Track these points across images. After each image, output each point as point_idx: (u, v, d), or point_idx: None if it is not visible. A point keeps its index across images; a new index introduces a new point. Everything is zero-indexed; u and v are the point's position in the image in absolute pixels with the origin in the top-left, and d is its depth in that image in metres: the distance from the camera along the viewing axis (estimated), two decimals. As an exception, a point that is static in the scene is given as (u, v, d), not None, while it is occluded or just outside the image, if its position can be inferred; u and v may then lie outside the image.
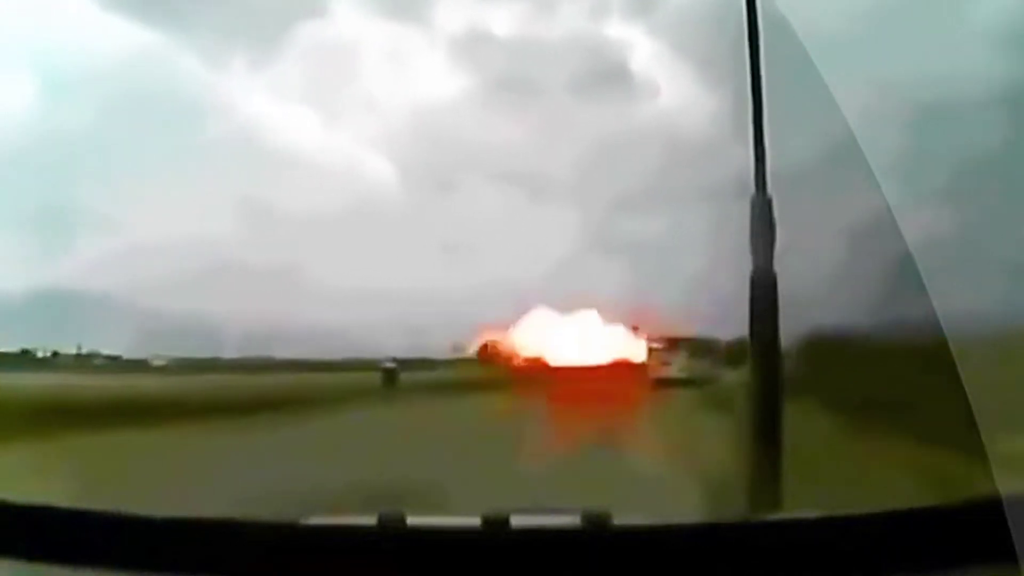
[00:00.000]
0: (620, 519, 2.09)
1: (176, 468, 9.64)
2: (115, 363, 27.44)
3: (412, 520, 2.07)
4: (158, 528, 2.08)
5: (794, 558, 1.97)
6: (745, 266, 7.11)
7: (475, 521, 2.07)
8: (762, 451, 6.60)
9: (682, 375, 20.78)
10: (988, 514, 1.94)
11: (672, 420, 15.19)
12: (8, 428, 12.10)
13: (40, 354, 25.74)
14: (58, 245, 23.29)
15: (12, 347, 23.12)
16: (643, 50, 26.51)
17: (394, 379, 25.81)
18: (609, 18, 28.53)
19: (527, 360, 27.30)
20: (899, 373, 8.69)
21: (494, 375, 26.03)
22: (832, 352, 11.45)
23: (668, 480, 8.32)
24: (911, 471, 6.64)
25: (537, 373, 25.57)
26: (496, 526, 2.05)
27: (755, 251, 6.96)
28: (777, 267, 6.94)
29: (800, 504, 5.42)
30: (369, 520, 2.06)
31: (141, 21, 26.67)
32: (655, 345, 23.78)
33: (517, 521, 2.07)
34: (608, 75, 26.28)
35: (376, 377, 25.51)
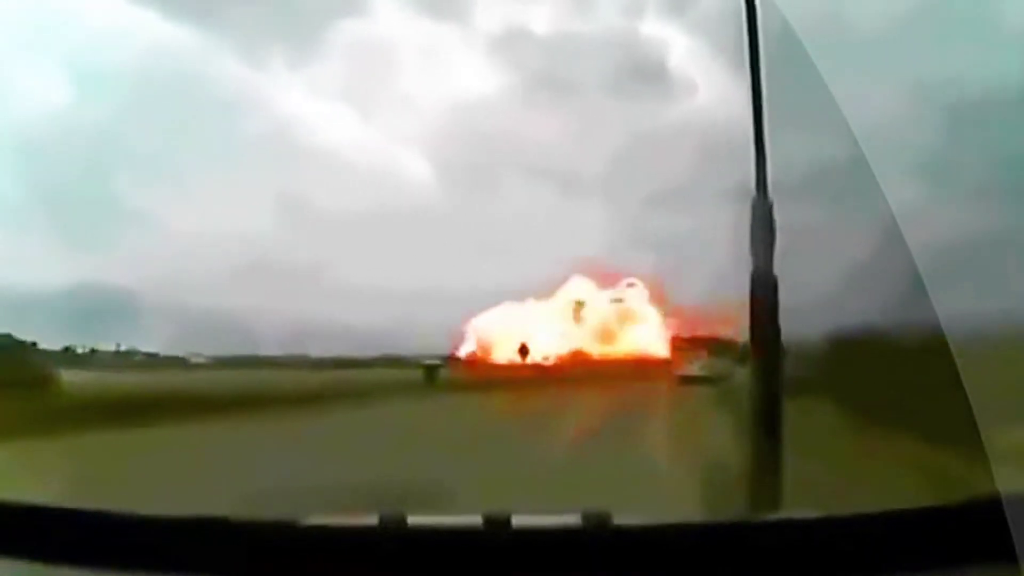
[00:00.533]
0: (620, 518, 2.10)
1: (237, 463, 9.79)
2: (154, 360, 27.73)
3: (413, 520, 2.08)
4: (159, 527, 2.11)
5: (794, 558, 1.97)
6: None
7: (476, 520, 2.07)
8: (763, 450, 6.65)
9: (702, 373, 21.54)
10: (988, 514, 1.93)
11: (695, 415, 15.63)
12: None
13: (80, 351, 25.94)
14: (95, 241, 23.55)
15: (54, 344, 23.21)
16: (680, 48, 26.41)
17: (435, 376, 26.06)
18: (645, 16, 28.45)
19: (560, 357, 27.46)
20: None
21: (529, 371, 26.31)
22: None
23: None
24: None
25: (570, 369, 25.85)
26: (497, 526, 2.06)
27: (755, 253, 6.99)
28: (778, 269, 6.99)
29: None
30: (370, 519, 2.07)
31: (178, 18, 27.01)
32: (680, 344, 24.75)
33: (518, 521, 2.08)
34: (645, 73, 26.23)
35: (414, 374, 25.78)
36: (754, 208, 7.12)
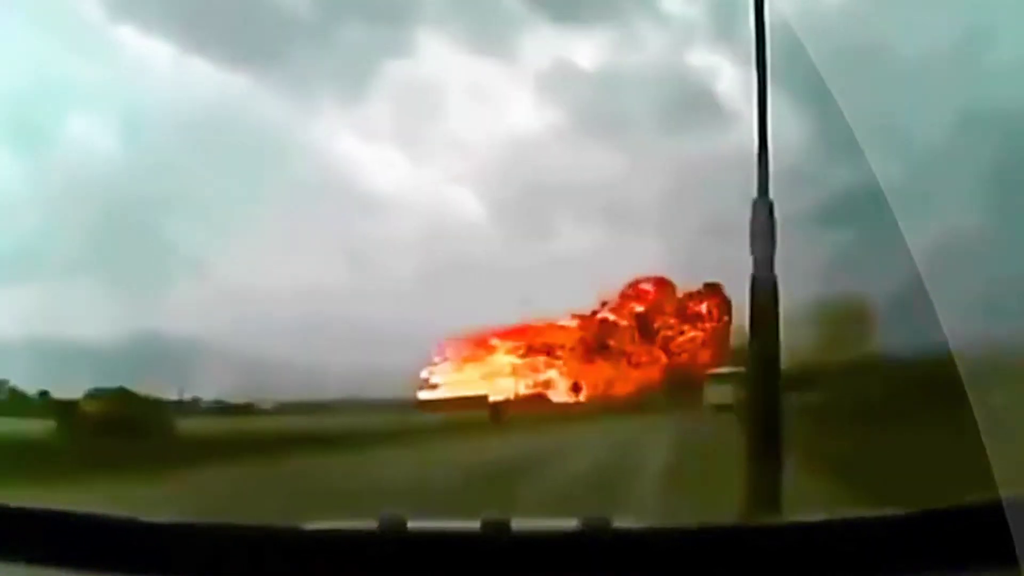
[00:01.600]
0: (620, 522, 2.11)
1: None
2: (224, 406, 28.20)
3: (413, 524, 2.08)
4: (159, 532, 2.15)
5: (794, 561, 1.96)
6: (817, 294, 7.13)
7: (475, 525, 2.08)
8: (761, 450, 6.60)
9: (726, 401, 22.83)
10: (989, 516, 1.90)
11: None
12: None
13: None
14: (150, 289, 24.06)
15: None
16: (728, 78, 26.37)
17: (500, 415, 26.11)
18: (693, 47, 28.45)
19: (610, 389, 27.73)
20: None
21: (585, 408, 26.50)
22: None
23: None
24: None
25: (618, 399, 26.30)
26: (496, 530, 2.07)
27: (755, 253, 6.93)
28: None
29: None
30: (370, 524, 2.09)
31: (230, 65, 27.79)
32: (711, 372, 26.30)
33: (517, 524, 2.09)
34: (694, 104, 26.25)
35: (479, 414, 25.91)
36: (755, 208, 7.09)
